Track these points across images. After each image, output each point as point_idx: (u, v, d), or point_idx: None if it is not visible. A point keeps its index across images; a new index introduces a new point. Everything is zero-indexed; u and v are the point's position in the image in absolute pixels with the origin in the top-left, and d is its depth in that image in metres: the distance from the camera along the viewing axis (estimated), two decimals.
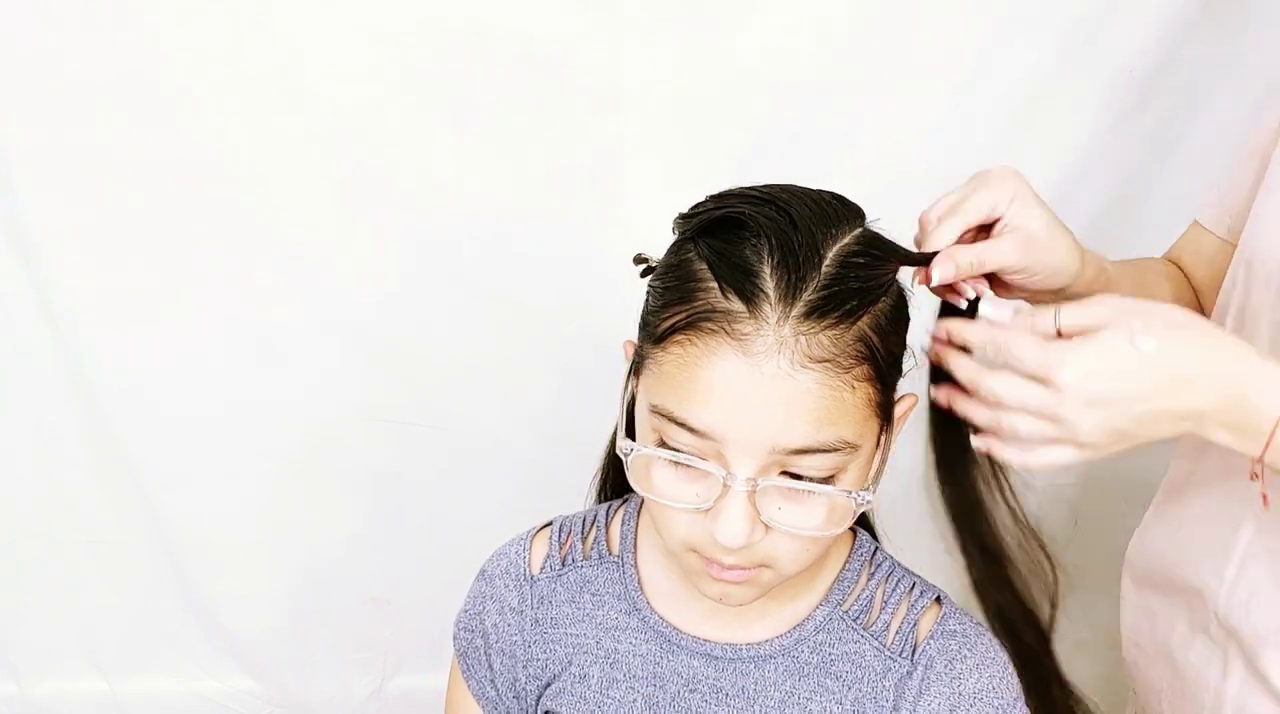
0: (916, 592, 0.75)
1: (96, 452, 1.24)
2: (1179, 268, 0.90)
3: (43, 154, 1.11)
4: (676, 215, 0.68)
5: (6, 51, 1.08)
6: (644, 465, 0.66)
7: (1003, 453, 0.66)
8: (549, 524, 0.82)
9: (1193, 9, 1.08)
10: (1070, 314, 0.63)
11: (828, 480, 0.64)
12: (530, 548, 0.81)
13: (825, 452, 0.62)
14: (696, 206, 0.67)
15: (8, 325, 1.18)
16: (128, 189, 1.13)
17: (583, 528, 0.81)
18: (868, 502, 0.65)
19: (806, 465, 0.63)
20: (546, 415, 1.21)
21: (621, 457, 0.67)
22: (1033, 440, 0.63)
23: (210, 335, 1.19)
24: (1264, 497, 0.68)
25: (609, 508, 0.81)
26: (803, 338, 0.61)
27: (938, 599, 0.75)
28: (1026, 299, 0.75)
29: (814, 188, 0.67)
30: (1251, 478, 0.66)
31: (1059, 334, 0.63)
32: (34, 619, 1.32)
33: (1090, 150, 1.13)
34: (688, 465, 0.64)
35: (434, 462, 1.25)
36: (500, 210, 1.13)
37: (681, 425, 0.63)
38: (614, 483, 0.84)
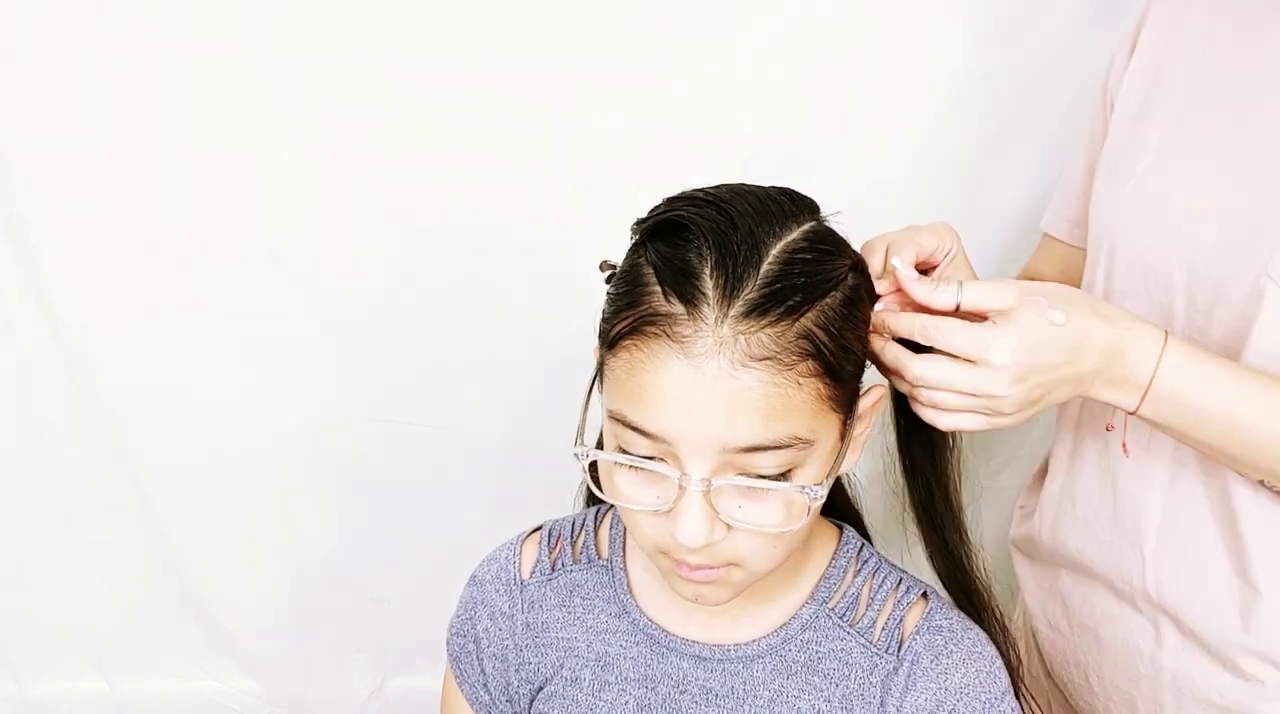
0: (903, 588, 0.75)
1: (96, 452, 1.23)
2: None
3: (43, 154, 1.12)
4: (636, 219, 0.69)
5: (6, 51, 1.08)
6: (606, 470, 0.67)
7: (920, 413, 0.70)
8: (538, 529, 0.83)
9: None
10: (974, 295, 0.67)
11: (784, 476, 0.64)
12: (520, 553, 0.81)
13: (777, 448, 0.62)
14: (653, 210, 0.68)
15: (8, 325, 1.18)
16: (128, 189, 1.13)
17: (571, 532, 0.81)
18: (821, 496, 0.65)
19: (760, 463, 0.63)
20: (547, 415, 1.21)
21: (576, 460, 0.67)
22: (951, 410, 0.68)
23: (209, 335, 1.19)
24: (1124, 445, 0.75)
25: (597, 511, 0.82)
26: (742, 337, 0.61)
27: (924, 594, 0.75)
28: None
29: (765, 185, 0.68)
30: (1108, 429, 0.73)
31: (957, 309, 0.67)
32: (34, 619, 1.32)
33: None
34: (644, 468, 0.64)
35: (434, 462, 1.25)
36: (499, 211, 1.13)
37: (635, 430, 0.63)
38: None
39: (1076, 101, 1.11)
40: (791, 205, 0.66)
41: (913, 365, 0.67)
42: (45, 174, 1.12)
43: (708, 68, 1.09)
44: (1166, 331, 0.69)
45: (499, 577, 0.81)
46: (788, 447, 0.63)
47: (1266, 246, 0.73)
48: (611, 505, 0.80)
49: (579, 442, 0.68)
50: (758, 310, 0.61)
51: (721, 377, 0.60)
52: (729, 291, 0.61)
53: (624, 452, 0.65)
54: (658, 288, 0.63)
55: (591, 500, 0.85)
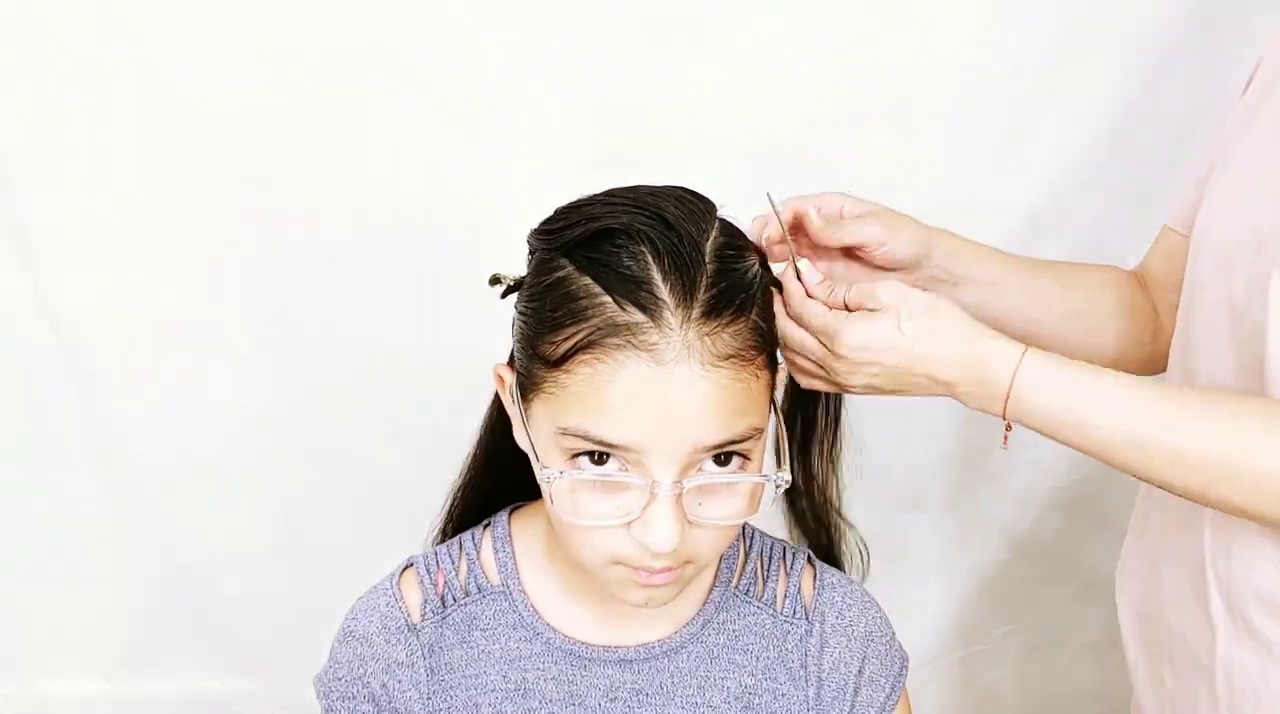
0: (789, 557, 0.78)
1: (97, 452, 1.24)
2: (1144, 277, 0.94)
3: (43, 154, 1.11)
4: (531, 232, 0.68)
5: (6, 51, 1.08)
6: (568, 489, 0.65)
7: (788, 366, 0.77)
8: (409, 565, 0.79)
9: (1194, 5, 1.08)
10: (856, 293, 0.74)
11: (740, 467, 0.65)
12: (401, 595, 0.76)
13: (738, 441, 0.64)
14: (555, 221, 0.67)
15: (8, 325, 1.18)
16: (128, 189, 1.13)
17: (452, 562, 0.77)
18: (788, 481, 0.67)
19: (720, 457, 0.64)
20: None
21: (544, 486, 0.66)
22: (805, 372, 0.76)
23: (211, 335, 1.19)
24: (1005, 439, 0.79)
25: (473, 537, 0.79)
26: (707, 338, 0.62)
27: (809, 559, 0.79)
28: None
29: (659, 185, 0.67)
30: (1005, 445, 0.78)
31: (845, 305, 0.73)
32: (35, 619, 1.32)
33: (1094, 150, 1.13)
34: (609, 480, 0.64)
35: (436, 462, 1.24)
36: (500, 212, 1.13)
37: (599, 442, 0.62)
38: (462, 515, 0.82)
39: (1081, 99, 1.10)
40: (700, 203, 0.67)
41: (786, 327, 0.74)
42: (46, 174, 1.12)
43: (710, 68, 1.09)
44: (1026, 347, 0.72)
45: (386, 626, 0.75)
46: (749, 438, 0.64)
47: None
48: (486, 527, 0.78)
49: (541, 464, 0.66)
50: (715, 310, 0.62)
51: (693, 380, 0.61)
52: (687, 295, 0.62)
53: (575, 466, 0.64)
54: (607, 298, 0.62)
55: (446, 533, 0.83)
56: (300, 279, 1.16)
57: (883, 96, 1.11)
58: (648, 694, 0.74)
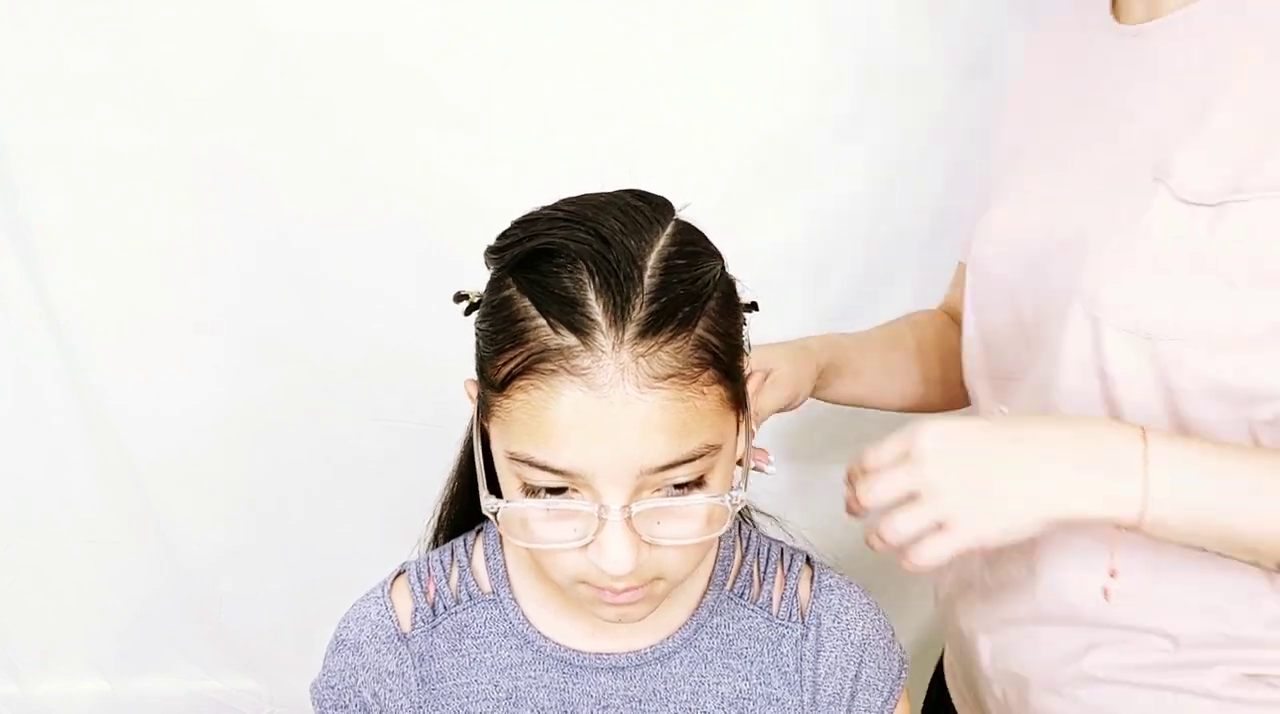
0: (787, 558, 0.77)
1: (97, 451, 1.24)
2: (949, 312, 0.96)
3: (43, 154, 1.11)
4: (487, 248, 0.66)
5: (6, 51, 1.08)
6: (517, 516, 0.64)
7: (904, 563, 0.70)
8: (401, 573, 0.78)
9: None
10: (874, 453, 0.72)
11: (699, 484, 0.63)
12: (393, 604, 0.76)
13: (690, 461, 0.61)
14: (504, 237, 0.66)
15: (8, 325, 1.18)
16: (128, 189, 1.13)
17: (444, 570, 0.77)
18: (743, 501, 0.65)
19: (675, 476, 0.62)
20: None
21: (489, 515, 0.64)
22: (915, 533, 0.69)
23: (211, 335, 1.19)
24: (1106, 591, 0.73)
25: (465, 543, 0.78)
26: (643, 360, 0.59)
27: (808, 560, 0.78)
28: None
29: (615, 191, 0.65)
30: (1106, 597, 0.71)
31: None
32: (35, 619, 1.32)
33: None
34: (557, 507, 0.62)
35: (435, 462, 1.24)
36: (505, 213, 1.13)
37: (543, 468, 0.61)
38: (452, 524, 0.81)
39: None
40: (651, 210, 0.64)
41: (860, 487, 0.70)
42: (46, 174, 1.12)
43: (708, 69, 1.09)
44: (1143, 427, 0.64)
45: (376, 635, 0.75)
46: (701, 456, 0.62)
47: (1069, 268, 0.73)
48: (479, 533, 0.78)
49: (488, 494, 0.65)
50: (651, 329, 0.59)
51: (629, 403, 0.59)
52: (619, 315, 0.59)
53: (530, 489, 0.63)
54: (542, 321, 0.60)
55: (437, 541, 0.82)
56: (301, 281, 1.16)
57: (882, 96, 1.11)
58: (640, 701, 0.73)
